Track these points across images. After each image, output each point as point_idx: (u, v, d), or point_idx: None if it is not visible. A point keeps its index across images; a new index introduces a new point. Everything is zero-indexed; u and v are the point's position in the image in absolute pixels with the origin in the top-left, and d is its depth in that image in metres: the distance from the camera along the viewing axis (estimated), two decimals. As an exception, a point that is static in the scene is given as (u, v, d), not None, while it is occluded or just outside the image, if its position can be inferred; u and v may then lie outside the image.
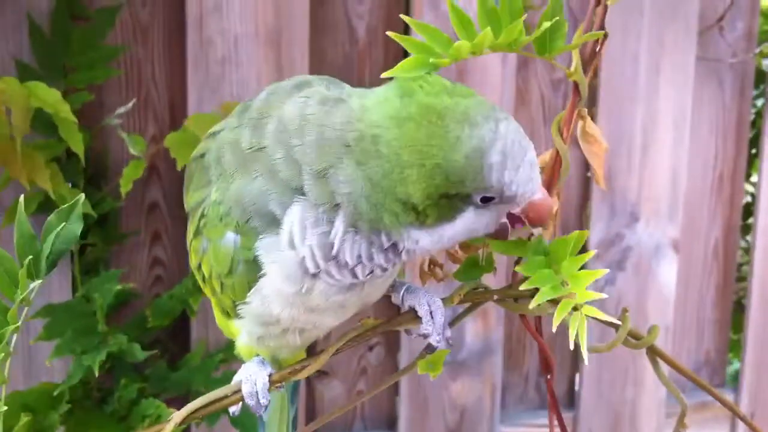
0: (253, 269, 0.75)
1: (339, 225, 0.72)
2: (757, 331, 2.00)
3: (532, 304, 0.75)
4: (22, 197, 0.74)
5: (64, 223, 0.71)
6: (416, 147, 0.69)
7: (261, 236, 0.74)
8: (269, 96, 0.77)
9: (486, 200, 0.72)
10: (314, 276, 0.74)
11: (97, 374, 1.33)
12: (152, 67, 1.63)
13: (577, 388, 1.91)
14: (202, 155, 0.80)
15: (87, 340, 1.35)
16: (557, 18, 0.71)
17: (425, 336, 0.80)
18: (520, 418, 1.91)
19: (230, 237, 0.75)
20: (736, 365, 2.18)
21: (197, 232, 0.79)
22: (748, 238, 2.12)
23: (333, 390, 1.81)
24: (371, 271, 0.75)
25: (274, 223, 0.73)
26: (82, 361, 1.31)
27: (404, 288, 0.83)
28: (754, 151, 2.09)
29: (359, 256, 0.73)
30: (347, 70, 1.72)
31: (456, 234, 0.74)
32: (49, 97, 1.24)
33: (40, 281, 0.69)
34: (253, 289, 0.77)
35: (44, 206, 1.48)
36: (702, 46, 1.86)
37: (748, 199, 2.14)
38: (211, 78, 1.60)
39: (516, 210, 0.74)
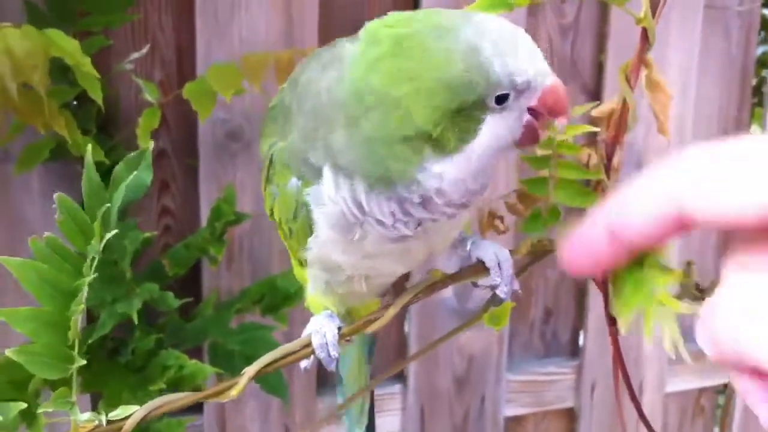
0: (310, 215, 0.75)
1: (359, 187, 0.70)
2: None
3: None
4: (89, 146, 0.70)
5: (135, 172, 0.69)
6: (403, 76, 0.65)
7: (313, 184, 0.74)
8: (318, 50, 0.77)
9: (501, 99, 0.66)
10: (362, 225, 0.73)
11: (136, 322, 1.31)
12: (159, 12, 1.59)
13: (581, 339, 1.92)
14: (275, 105, 0.79)
15: (116, 288, 1.32)
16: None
17: (493, 287, 0.80)
18: (527, 365, 1.92)
19: (294, 182, 0.75)
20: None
21: (269, 180, 0.78)
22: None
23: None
24: (419, 224, 0.72)
25: (318, 174, 0.73)
26: (116, 309, 1.28)
27: (470, 241, 0.82)
28: (756, 100, 2.09)
29: (393, 214, 0.71)
30: (357, 14, 1.68)
31: (483, 149, 0.68)
32: (68, 46, 1.19)
33: (115, 231, 0.66)
34: (312, 236, 0.77)
35: (56, 154, 1.45)
36: (709, -6, 1.85)
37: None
38: (220, 23, 1.56)
39: (533, 103, 0.68)
